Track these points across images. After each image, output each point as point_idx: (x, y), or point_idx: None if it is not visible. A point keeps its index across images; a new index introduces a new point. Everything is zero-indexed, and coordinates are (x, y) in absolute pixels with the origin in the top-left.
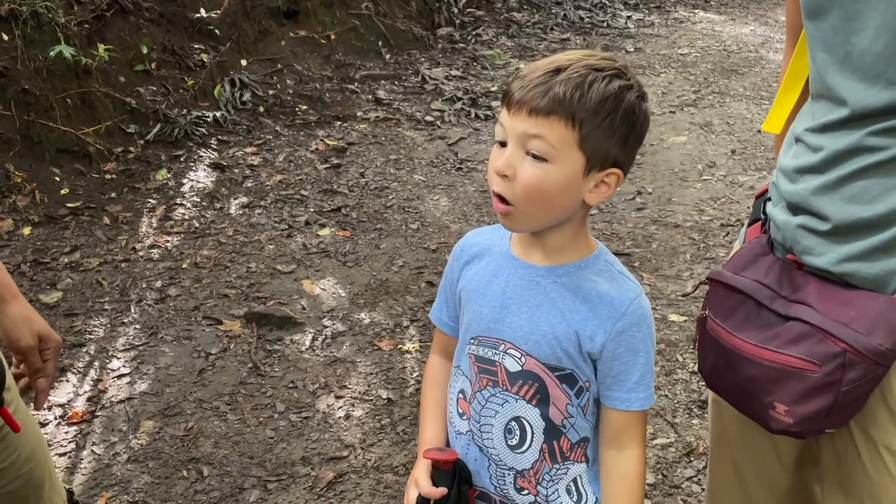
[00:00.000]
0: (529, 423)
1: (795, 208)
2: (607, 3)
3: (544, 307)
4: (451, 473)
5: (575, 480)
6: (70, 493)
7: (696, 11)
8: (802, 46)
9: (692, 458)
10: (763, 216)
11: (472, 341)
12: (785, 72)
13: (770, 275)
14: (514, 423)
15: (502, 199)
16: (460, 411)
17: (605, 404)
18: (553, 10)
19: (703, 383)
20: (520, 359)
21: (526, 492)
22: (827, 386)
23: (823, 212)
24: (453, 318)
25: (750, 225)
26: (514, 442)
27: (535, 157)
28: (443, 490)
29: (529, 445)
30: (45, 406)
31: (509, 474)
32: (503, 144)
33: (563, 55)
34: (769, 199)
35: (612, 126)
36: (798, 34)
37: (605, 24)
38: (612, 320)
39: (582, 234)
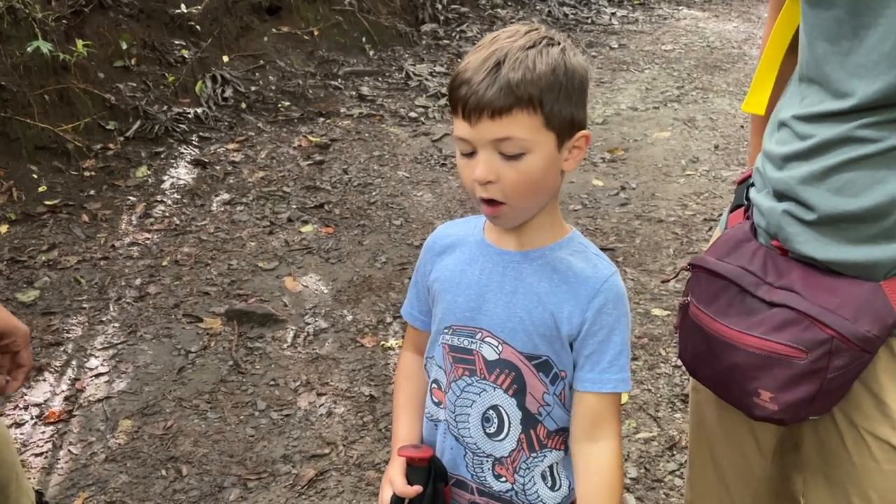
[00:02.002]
0: (506, 413)
1: (781, 195)
2: None
3: (520, 293)
4: (427, 471)
5: (551, 467)
6: (39, 494)
7: (680, 8)
8: (783, 22)
9: (675, 452)
10: (746, 202)
11: (445, 331)
12: (765, 49)
13: (754, 261)
14: (491, 412)
15: (491, 202)
16: (436, 401)
17: (577, 389)
18: (537, 7)
19: (686, 377)
20: (497, 347)
21: (504, 479)
22: (813, 373)
23: (810, 202)
24: (425, 313)
25: (732, 211)
26: (493, 430)
27: (512, 156)
28: (417, 488)
29: (507, 434)
30: (21, 406)
31: (487, 461)
32: (469, 154)
33: (490, 47)
34: (752, 185)
35: (568, 93)
36: (780, 7)
37: (589, 21)
38: (588, 298)
39: (556, 215)
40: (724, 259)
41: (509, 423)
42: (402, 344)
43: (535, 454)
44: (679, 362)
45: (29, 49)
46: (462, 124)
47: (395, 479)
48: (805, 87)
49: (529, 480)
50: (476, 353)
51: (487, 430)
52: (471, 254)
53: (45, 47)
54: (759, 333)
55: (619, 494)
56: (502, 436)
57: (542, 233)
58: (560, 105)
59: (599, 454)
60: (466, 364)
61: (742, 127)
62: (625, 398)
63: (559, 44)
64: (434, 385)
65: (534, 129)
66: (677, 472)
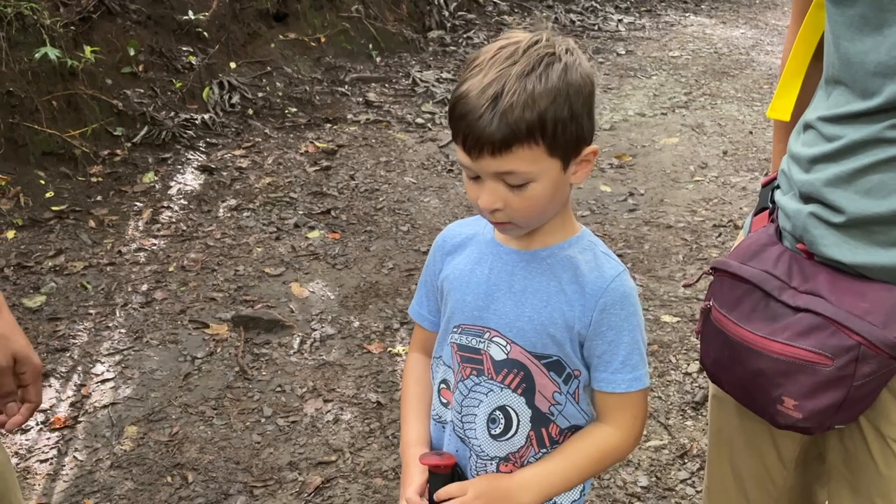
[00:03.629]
0: (515, 412)
1: (807, 197)
2: (598, 6)
3: (528, 292)
4: (449, 479)
5: None
6: None
7: (687, 15)
8: (808, 27)
9: (686, 461)
10: (771, 205)
11: (454, 330)
12: (789, 54)
13: (779, 265)
14: (498, 412)
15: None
16: (444, 401)
17: (593, 387)
18: (544, 14)
19: (697, 384)
20: (505, 346)
21: None
22: (839, 380)
23: (837, 204)
24: (434, 313)
25: (756, 214)
26: (498, 431)
27: (517, 185)
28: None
29: (515, 432)
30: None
31: (491, 464)
32: (475, 178)
33: (488, 71)
34: (777, 188)
35: (572, 114)
36: (804, 13)
37: (596, 28)
38: (594, 298)
39: (568, 217)
40: (747, 263)
41: (518, 421)
42: (409, 349)
43: (544, 450)
44: (689, 369)
45: (37, 55)
46: (464, 154)
47: (417, 487)
48: (831, 89)
49: None
50: (484, 353)
51: (492, 432)
52: (480, 252)
53: (53, 53)
54: (784, 339)
55: (587, 468)
56: (509, 434)
57: (552, 233)
58: (563, 128)
59: (596, 429)
60: (474, 364)
61: (751, 133)
62: None
63: (560, 59)
64: (443, 385)
65: (536, 159)
66: (688, 481)
